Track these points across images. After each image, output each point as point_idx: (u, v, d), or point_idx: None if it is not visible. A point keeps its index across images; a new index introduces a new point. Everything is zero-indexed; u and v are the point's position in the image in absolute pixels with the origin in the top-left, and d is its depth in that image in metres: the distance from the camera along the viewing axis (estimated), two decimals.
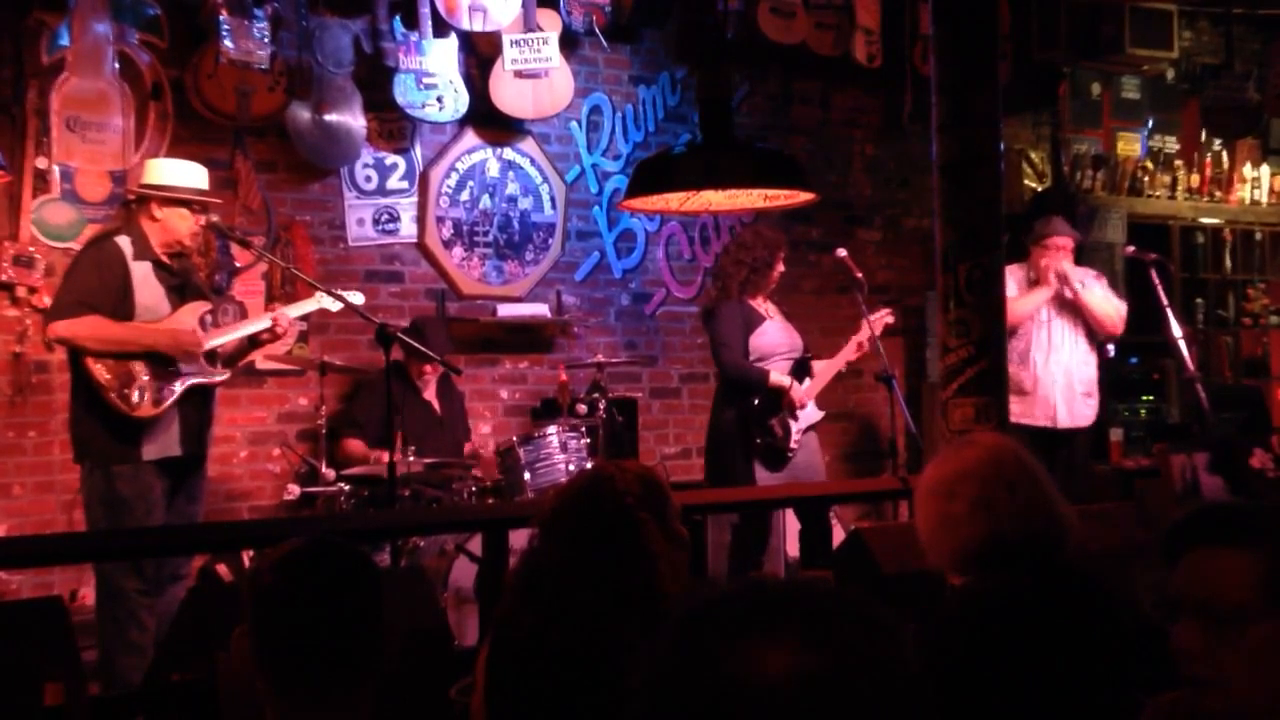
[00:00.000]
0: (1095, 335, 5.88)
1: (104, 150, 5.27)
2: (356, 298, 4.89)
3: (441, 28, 5.82)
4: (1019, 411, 5.47)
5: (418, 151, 6.15)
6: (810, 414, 5.41)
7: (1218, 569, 1.55)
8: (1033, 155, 7.91)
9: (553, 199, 6.50)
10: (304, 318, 5.47)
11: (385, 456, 4.55)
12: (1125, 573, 3.25)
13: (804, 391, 5.32)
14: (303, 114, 5.61)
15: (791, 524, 5.41)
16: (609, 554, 2.22)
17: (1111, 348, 6.03)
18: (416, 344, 4.93)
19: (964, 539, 2.23)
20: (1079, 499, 4.93)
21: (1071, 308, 5.81)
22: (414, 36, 5.77)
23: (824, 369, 5.47)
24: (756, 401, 5.27)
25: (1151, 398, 7.24)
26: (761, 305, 5.43)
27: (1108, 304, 5.84)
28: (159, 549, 4.13)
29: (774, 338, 5.39)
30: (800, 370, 5.41)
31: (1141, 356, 7.29)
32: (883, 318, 5.53)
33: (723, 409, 5.39)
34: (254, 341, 4.70)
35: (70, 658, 2.82)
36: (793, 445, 5.29)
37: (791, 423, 5.30)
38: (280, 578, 1.75)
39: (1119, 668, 2.12)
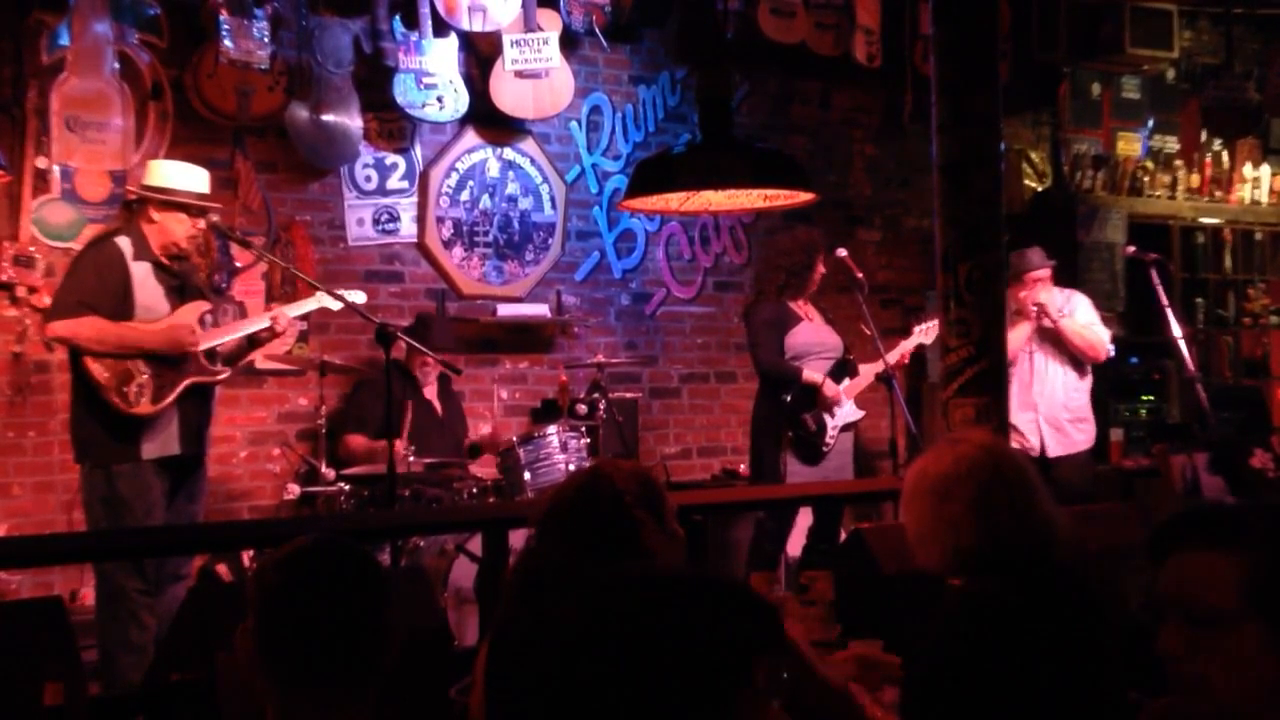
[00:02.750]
0: (1082, 362, 5.83)
1: (104, 150, 5.26)
2: (358, 296, 4.89)
3: (441, 28, 5.81)
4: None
5: (418, 151, 6.15)
6: (848, 412, 5.49)
7: (1200, 572, 1.54)
8: (1033, 155, 7.91)
9: (553, 199, 6.50)
10: (304, 317, 5.48)
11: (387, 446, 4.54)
12: (1123, 573, 3.25)
13: (841, 388, 5.37)
14: (301, 114, 5.61)
15: (798, 524, 5.44)
16: (607, 552, 2.22)
17: (1111, 348, 6.02)
18: (416, 342, 4.93)
19: (959, 540, 2.22)
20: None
21: (1054, 336, 5.76)
22: (414, 36, 5.77)
23: (867, 370, 5.54)
24: (789, 397, 5.33)
25: (1151, 398, 7.24)
26: (801, 307, 5.53)
27: (1088, 333, 5.77)
28: (159, 549, 4.13)
29: (809, 337, 5.47)
30: (841, 370, 5.48)
31: (1141, 356, 7.28)
32: (930, 328, 5.55)
33: (758, 405, 5.54)
34: (253, 341, 4.70)
35: (70, 658, 2.82)
36: (828, 440, 5.36)
37: (827, 419, 5.37)
38: (285, 576, 1.75)
39: (1113, 668, 2.12)
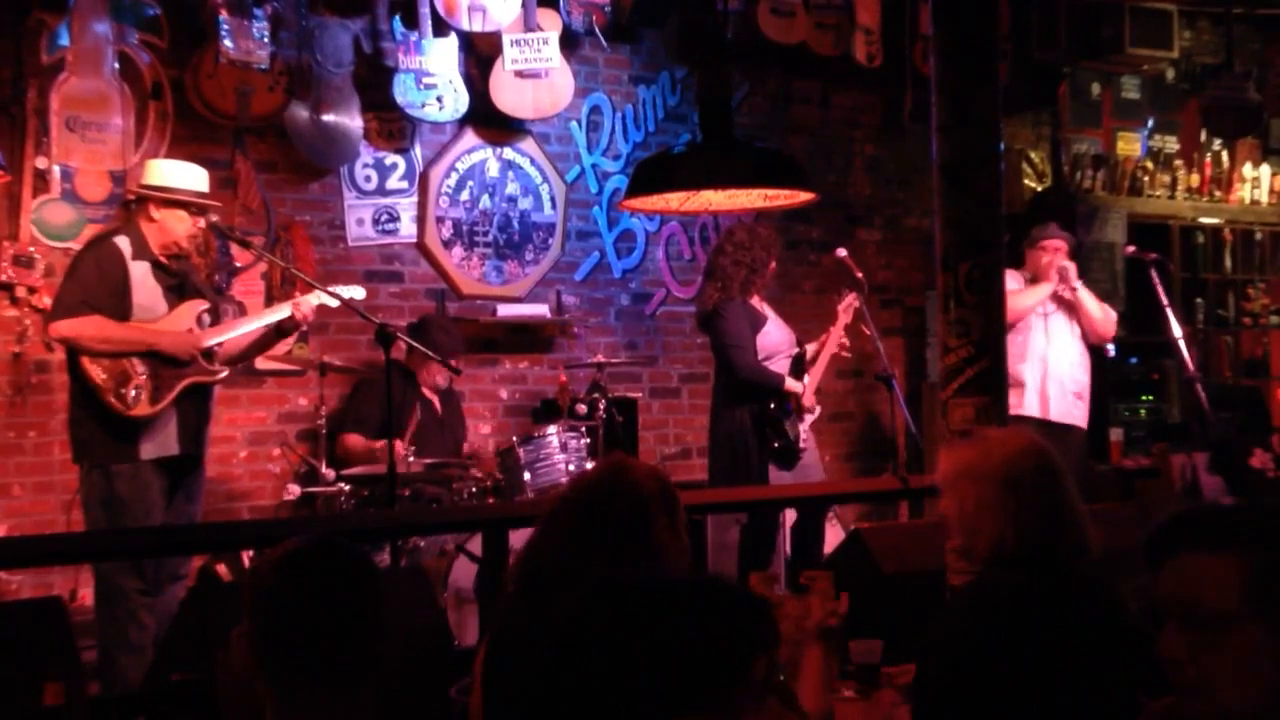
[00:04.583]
0: (1088, 340, 5.91)
1: (104, 150, 5.26)
2: (358, 293, 4.89)
3: (441, 28, 5.81)
4: (1011, 403, 5.45)
5: (418, 151, 6.15)
6: (814, 411, 5.44)
7: (1199, 574, 1.52)
8: (1033, 155, 7.91)
9: (553, 199, 6.50)
10: None
11: (385, 446, 4.52)
12: (1122, 574, 3.26)
13: (807, 391, 5.32)
14: (301, 114, 5.61)
15: (787, 526, 5.42)
16: (618, 547, 2.22)
17: (1111, 348, 6.05)
18: (426, 347, 4.93)
19: (1005, 533, 2.23)
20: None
21: (1068, 308, 5.86)
22: (414, 36, 5.77)
23: (815, 368, 5.46)
24: (772, 405, 5.26)
25: (1151, 398, 7.24)
26: (759, 304, 5.42)
27: (1101, 308, 5.92)
28: (159, 549, 4.14)
29: (776, 336, 5.39)
30: (798, 366, 5.42)
31: (1141, 356, 7.28)
32: (850, 304, 5.46)
33: (730, 410, 5.31)
34: (281, 331, 4.69)
35: (70, 658, 2.82)
36: (803, 445, 5.32)
37: (800, 424, 5.31)
38: (280, 578, 1.75)
39: (1119, 669, 2.12)
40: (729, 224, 6.92)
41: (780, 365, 5.35)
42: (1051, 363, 5.84)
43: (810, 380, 5.38)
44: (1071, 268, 5.84)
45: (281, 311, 4.67)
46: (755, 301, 5.38)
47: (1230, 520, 1.58)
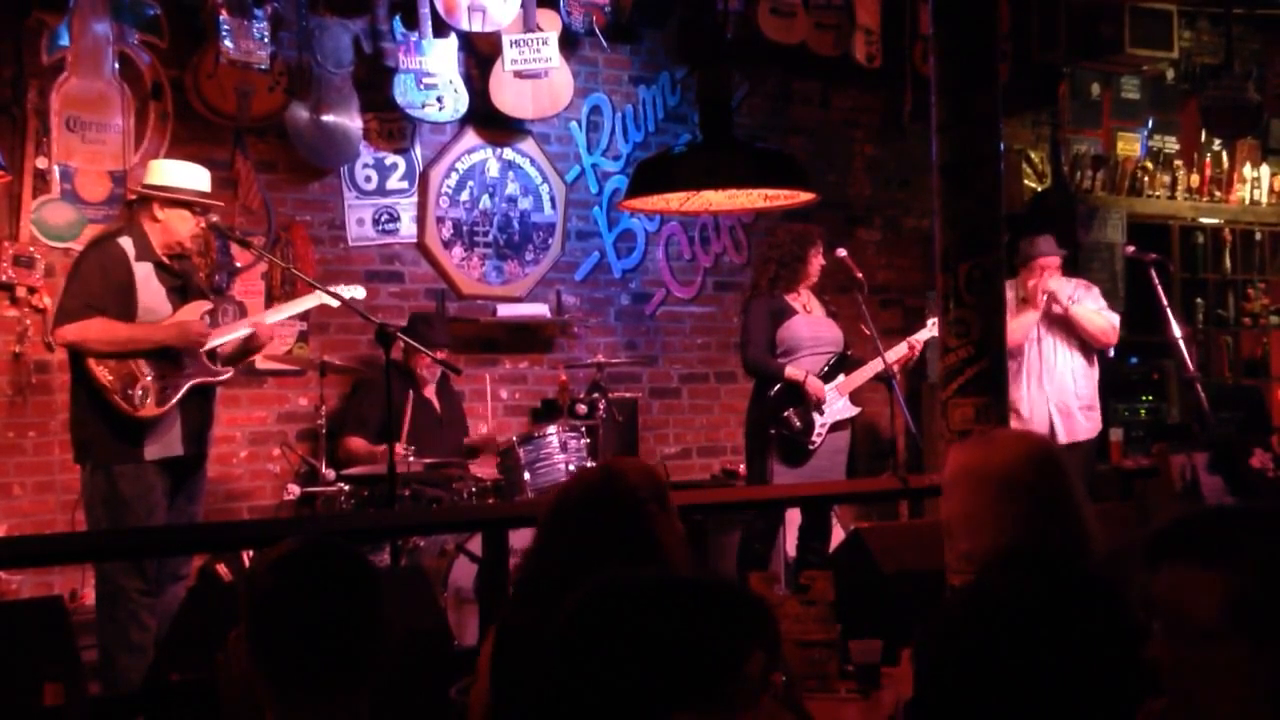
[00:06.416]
0: (1091, 347, 5.87)
1: (104, 150, 5.27)
2: (358, 293, 4.89)
3: (441, 28, 5.82)
4: None
5: (418, 151, 6.15)
6: (841, 409, 5.44)
7: (1184, 587, 1.50)
8: (1033, 155, 7.91)
9: (553, 199, 6.50)
10: (303, 317, 5.49)
11: (387, 451, 4.53)
12: (1122, 574, 3.26)
13: (835, 384, 5.34)
14: (301, 114, 5.61)
15: (790, 524, 5.42)
16: (619, 548, 2.23)
17: (1110, 348, 6.03)
18: (415, 342, 4.93)
19: (1005, 537, 2.21)
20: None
21: (1064, 323, 5.80)
22: (414, 36, 5.77)
23: (861, 369, 5.49)
24: (772, 393, 5.30)
25: (1151, 398, 7.24)
26: (798, 300, 5.49)
27: (1099, 318, 5.84)
28: (159, 549, 4.14)
29: (803, 331, 5.43)
30: (839, 366, 5.44)
31: (1141, 356, 7.29)
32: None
33: (751, 405, 5.54)
34: (249, 344, 4.71)
35: (70, 658, 2.83)
36: (814, 439, 5.32)
37: (816, 416, 5.32)
38: (277, 579, 1.74)
39: (1119, 670, 2.11)
40: (729, 224, 6.97)
41: (806, 361, 5.38)
42: (1049, 388, 5.78)
43: (846, 379, 5.45)
44: (1060, 288, 5.78)
45: (242, 330, 4.67)
46: (791, 297, 5.48)
47: (1218, 533, 1.54)
